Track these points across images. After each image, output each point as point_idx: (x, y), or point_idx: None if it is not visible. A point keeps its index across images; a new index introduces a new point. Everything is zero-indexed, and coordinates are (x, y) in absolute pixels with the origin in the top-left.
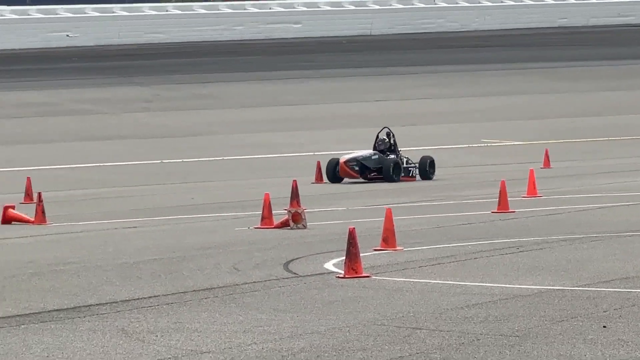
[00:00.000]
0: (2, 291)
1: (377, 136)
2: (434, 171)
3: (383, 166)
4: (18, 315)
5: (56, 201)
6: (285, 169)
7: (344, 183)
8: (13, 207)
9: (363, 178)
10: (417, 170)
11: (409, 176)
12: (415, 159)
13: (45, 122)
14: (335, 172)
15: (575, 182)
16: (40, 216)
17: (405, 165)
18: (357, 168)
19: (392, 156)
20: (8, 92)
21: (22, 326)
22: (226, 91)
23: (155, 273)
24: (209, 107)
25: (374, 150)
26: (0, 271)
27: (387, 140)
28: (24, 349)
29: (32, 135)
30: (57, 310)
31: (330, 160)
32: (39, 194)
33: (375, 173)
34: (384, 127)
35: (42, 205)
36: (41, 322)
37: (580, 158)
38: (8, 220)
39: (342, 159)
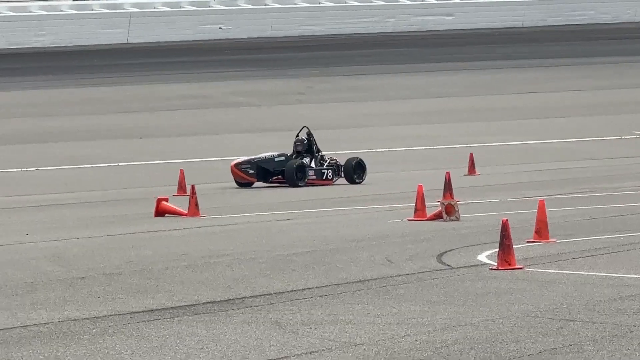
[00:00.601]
0: (156, 284)
1: (297, 135)
2: (363, 174)
3: (285, 169)
4: (172, 308)
5: (209, 193)
6: (438, 161)
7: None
8: (166, 200)
9: (265, 182)
10: (342, 172)
11: (322, 179)
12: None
13: (198, 114)
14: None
15: None
16: (194, 208)
17: (318, 167)
18: (251, 171)
19: (306, 158)
20: (162, 85)
21: (176, 318)
22: (378, 84)
23: (309, 265)
24: (361, 99)
25: (293, 152)
26: (153, 264)
27: (306, 140)
28: (177, 341)
29: (185, 127)
30: (210, 302)
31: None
32: (192, 187)
33: (279, 176)
34: (303, 127)
35: (196, 198)
36: (195, 314)
37: None
38: (161, 212)
39: (234, 162)
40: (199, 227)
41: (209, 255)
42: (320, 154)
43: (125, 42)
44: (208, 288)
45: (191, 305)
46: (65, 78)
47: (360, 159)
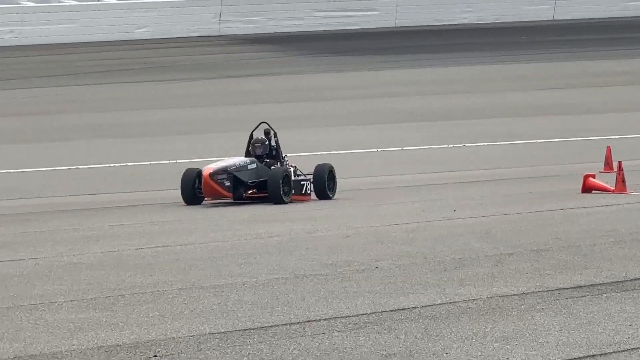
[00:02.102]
0: (583, 260)
1: (251, 135)
2: (335, 186)
3: (268, 180)
4: (600, 284)
5: (636, 170)
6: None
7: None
8: (593, 176)
9: (235, 198)
10: (312, 185)
11: (301, 194)
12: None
13: (626, 91)
14: (194, 190)
15: None
16: (621, 185)
17: (295, 178)
18: (228, 183)
19: (274, 166)
20: (590, 61)
21: (604, 295)
22: None
23: None
24: None
25: (247, 156)
26: (581, 240)
27: (267, 142)
28: (605, 318)
29: (611, 104)
30: (639, 279)
31: (186, 172)
32: (619, 163)
33: (253, 190)
34: (262, 122)
35: (622, 174)
36: (623, 290)
37: None
38: (588, 188)
39: (207, 170)
40: (626, 204)
41: (637, 231)
42: (286, 159)
43: (552, 18)
44: (636, 265)
45: (619, 281)
46: (489, 55)
47: (331, 167)
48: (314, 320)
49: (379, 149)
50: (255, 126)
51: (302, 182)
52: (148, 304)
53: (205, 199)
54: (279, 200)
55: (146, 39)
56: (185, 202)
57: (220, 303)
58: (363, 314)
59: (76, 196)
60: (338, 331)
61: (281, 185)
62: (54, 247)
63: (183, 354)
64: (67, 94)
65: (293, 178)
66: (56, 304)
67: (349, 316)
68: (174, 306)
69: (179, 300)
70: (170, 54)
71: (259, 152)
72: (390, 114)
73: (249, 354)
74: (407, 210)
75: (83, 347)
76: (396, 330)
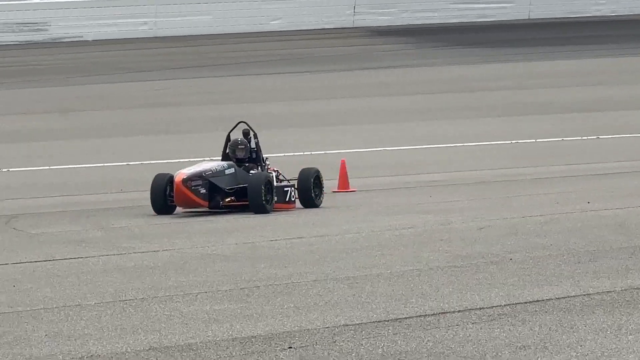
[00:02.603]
0: None
1: (228, 137)
2: (321, 193)
3: (249, 187)
4: None
5: None
6: None
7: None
8: None
9: (211, 206)
10: (296, 192)
11: (285, 202)
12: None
13: None
14: (165, 199)
15: None
16: None
17: (278, 184)
18: (203, 190)
19: (254, 170)
20: None
21: None
22: None
23: None
24: None
25: (224, 159)
26: None
27: (247, 142)
28: None
29: None
30: None
31: (156, 178)
32: None
33: (232, 198)
34: (240, 122)
35: None
36: None
37: None
38: None
39: (179, 176)
40: None
41: None
42: (267, 162)
43: None
44: None
45: None
46: (624, 47)
47: (317, 171)
48: (448, 312)
49: (511, 141)
50: (233, 126)
51: (285, 189)
52: (283, 296)
53: (178, 208)
54: (260, 209)
55: (280, 31)
56: (155, 212)
57: (354, 295)
58: (497, 306)
59: None
60: (472, 323)
61: (263, 193)
62: (189, 239)
63: (317, 346)
64: (200, 86)
65: (275, 184)
66: (191, 295)
67: (483, 308)
68: (308, 298)
69: (314, 291)
70: (304, 45)
71: (240, 155)
72: (523, 106)
73: (383, 345)
74: (540, 202)
75: (218, 339)
76: (530, 323)
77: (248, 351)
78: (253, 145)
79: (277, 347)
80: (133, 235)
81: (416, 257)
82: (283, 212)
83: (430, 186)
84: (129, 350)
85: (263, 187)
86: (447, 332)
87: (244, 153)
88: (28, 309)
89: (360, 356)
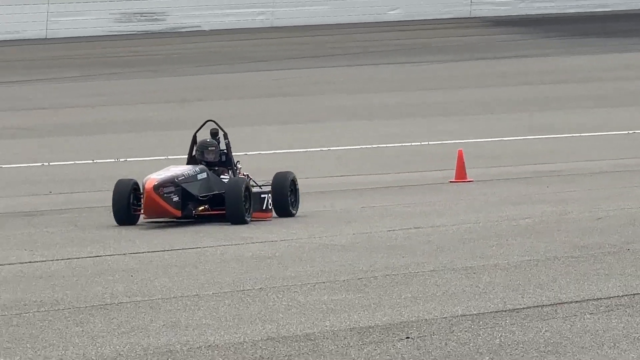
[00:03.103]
0: None
1: (195, 137)
2: (297, 200)
3: (226, 194)
4: None
5: None
6: None
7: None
8: None
9: (185, 216)
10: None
11: (262, 210)
12: None
13: None
14: (128, 207)
15: None
16: None
17: (255, 190)
18: (176, 198)
19: (226, 176)
20: None
21: None
22: None
23: None
24: None
25: (190, 162)
26: None
27: (217, 143)
28: None
29: None
30: None
31: (118, 185)
32: None
33: (205, 206)
34: (207, 120)
35: None
36: None
37: None
38: None
39: (150, 182)
40: None
41: None
42: (238, 165)
43: None
44: None
45: None
46: None
47: (292, 176)
48: (566, 303)
49: (628, 132)
50: (200, 125)
51: (262, 196)
52: (400, 286)
53: (144, 218)
54: (239, 219)
55: (397, 21)
56: (117, 222)
57: (472, 285)
58: (615, 297)
59: (330, 177)
60: (590, 313)
61: (242, 201)
62: (306, 229)
63: (435, 336)
64: (318, 76)
65: (254, 190)
66: (308, 285)
67: (600, 298)
68: (426, 288)
69: (431, 281)
70: (421, 36)
71: (210, 157)
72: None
73: (500, 336)
74: None
75: (335, 329)
76: None
77: (366, 341)
78: (223, 146)
79: (395, 337)
80: (251, 226)
81: (533, 247)
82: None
83: (547, 176)
84: (246, 340)
85: (242, 194)
86: (564, 323)
87: (213, 155)
88: (146, 298)
89: (478, 346)
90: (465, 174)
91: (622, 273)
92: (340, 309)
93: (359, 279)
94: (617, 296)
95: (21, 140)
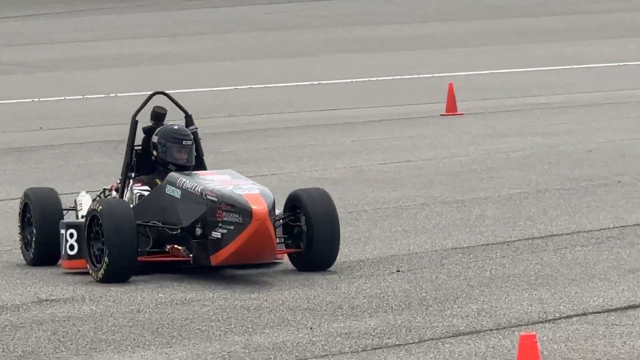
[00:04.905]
0: None
1: (135, 123)
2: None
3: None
4: None
5: None
6: None
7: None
8: None
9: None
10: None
11: None
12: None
13: None
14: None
15: None
16: None
17: None
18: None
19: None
20: None
21: None
22: None
23: None
24: None
25: (129, 171)
26: None
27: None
28: None
29: None
30: None
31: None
32: None
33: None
34: (155, 93)
35: None
36: None
37: None
38: None
39: (260, 202)
40: None
41: None
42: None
43: None
44: None
45: None
46: None
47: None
48: (556, 235)
49: (619, 63)
50: (144, 101)
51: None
52: (391, 219)
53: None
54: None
55: None
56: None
57: (462, 218)
58: (605, 229)
59: (320, 111)
60: (580, 245)
61: None
62: (297, 163)
63: (426, 269)
64: (304, 9)
65: None
66: None
67: (591, 230)
68: (416, 221)
69: (422, 215)
70: None
71: (183, 159)
72: (632, 29)
73: (491, 268)
74: None
75: None
76: (639, 245)
77: (356, 275)
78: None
79: (385, 270)
80: (242, 160)
81: (524, 180)
82: None
83: (538, 109)
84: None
85: None
86: (554, 255)
87: (188, 156)
88: None
89: (468, 279)
90: (456, 107)
91: (613, 205)
92: None
93: (349, 212)
94: (608, 228)
95: (11, 75)
